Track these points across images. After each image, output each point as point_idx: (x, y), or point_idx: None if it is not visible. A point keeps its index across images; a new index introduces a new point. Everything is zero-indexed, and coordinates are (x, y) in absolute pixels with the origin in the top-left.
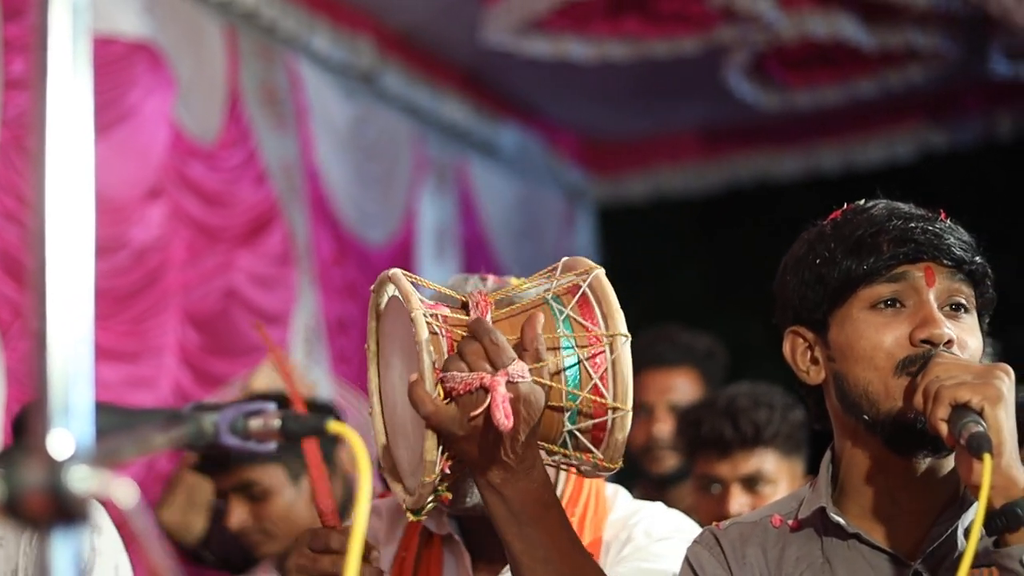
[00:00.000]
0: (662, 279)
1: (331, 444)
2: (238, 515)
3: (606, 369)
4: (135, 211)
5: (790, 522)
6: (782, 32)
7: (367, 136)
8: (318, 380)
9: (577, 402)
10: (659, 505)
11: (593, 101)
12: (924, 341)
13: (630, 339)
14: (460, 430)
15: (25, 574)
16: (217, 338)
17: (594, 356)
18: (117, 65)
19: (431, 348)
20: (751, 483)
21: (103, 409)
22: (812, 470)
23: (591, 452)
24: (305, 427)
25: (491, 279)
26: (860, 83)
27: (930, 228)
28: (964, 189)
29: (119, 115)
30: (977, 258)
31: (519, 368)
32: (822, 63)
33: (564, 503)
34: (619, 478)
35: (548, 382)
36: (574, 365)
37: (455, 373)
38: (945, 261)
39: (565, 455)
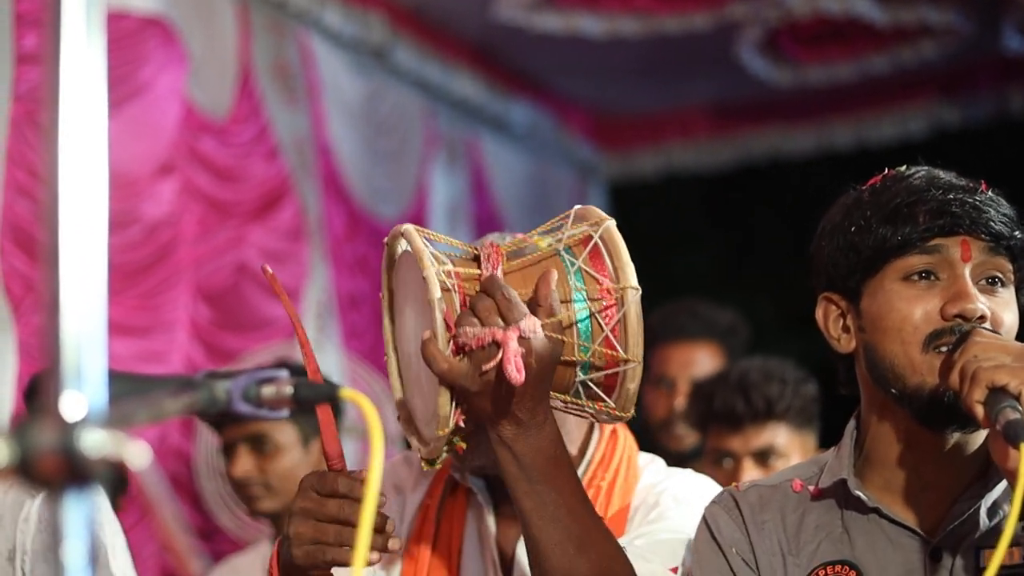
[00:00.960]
0: (673, 255)
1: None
2: (243, 464)
3: (618, 322)
4: (147, 186)
5: (811, 488)
6: (794, 8)
7: (379, 112)
8: (330, 355)
9: (589, 354)
10: (688, 471)
11: (604, 77)
12: (957, 315)
13: (640, 291)
14: (473, 385)
15: (23, 550)
16: (228, 313)
17: (605, 308)
18: (129, 40)
19: (443, 306)
20: (763, 457)
21: (116, 376)
22: (824, 444)
23: (603, 401)
24: (318, 394)
25: (508, 236)
26: (873, 59)
27: (969, 200)
28: (976, 165)
29: (131, 90)
30: (1017, 232)
31: (531, 323)
32: (835, 39)
33: (595, 467)
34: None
35: (560, 336)
36: (586, 318)
37: (467, 329)
38: (983, 235)
39: (577, 404)
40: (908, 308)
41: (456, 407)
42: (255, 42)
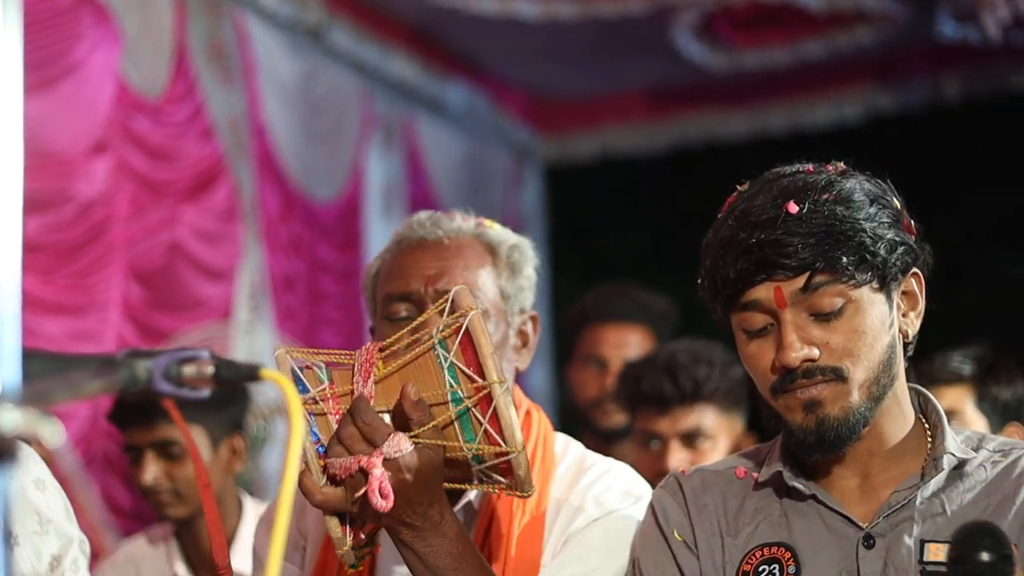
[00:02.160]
0: (609, 238)
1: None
2: (152, 472)
3: (491, 416)
4: (80, 165)
5: (754, 475)
6: None
7: (314, 92)
8: (263, 336)
9: (475, 449)
10: (610, 464)
11: (541, 59)
12: (783, 369)
13: (506, 384)
14: (353, 509)
15: None
16: (161, 293)
17: (479, 403)
18: (63, 19)
19: (309, 442)
20: (690, 439)
21: (36, 355)
22: (751, 427)
23: (502, 483)
24: (238, 374)
25: (473, 221)
26: (808, 44)
27: (769, 239)
28: (911, 151)
29: (64, 69)
30: (841, 244)
31: (395, 443)
32: (770, 24)
33: None
34: (567, 431)
35: (440, 441)
36: (463, 414)
37: (334, 460)
38: (792, 273)
39: (486, 487)
40: (753, 362)
41: (348, 526)
42: (190, 21)
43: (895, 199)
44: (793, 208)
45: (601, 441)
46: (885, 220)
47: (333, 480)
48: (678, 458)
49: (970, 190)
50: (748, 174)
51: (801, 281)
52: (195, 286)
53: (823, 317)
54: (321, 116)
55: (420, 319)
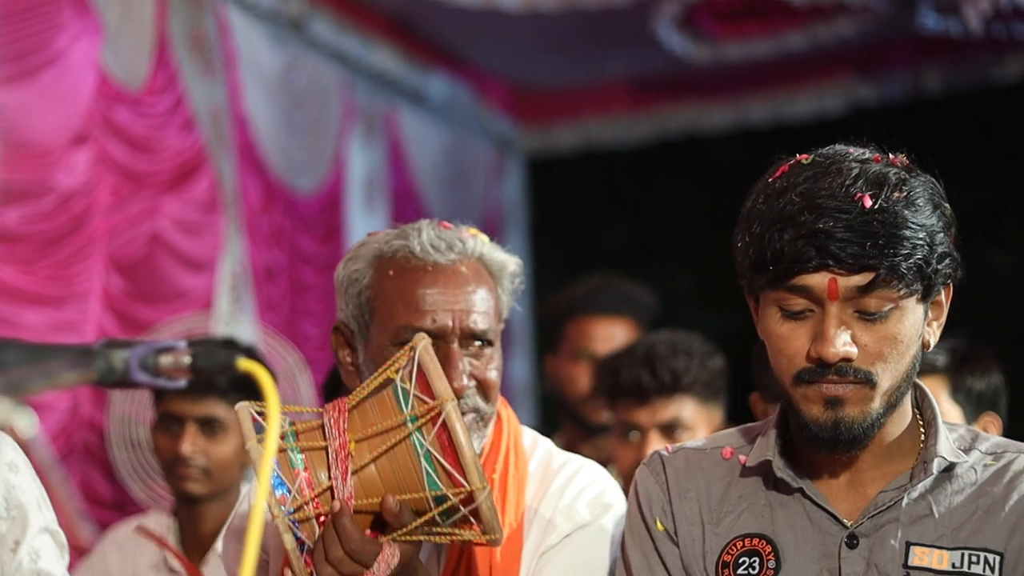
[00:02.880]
0: (590, 229)
1: None
2: (193, 443)
3: (474, 512)
4: (61, 156)
5: (741, 457)
6: None
7: (296, 83)
8: (244, 327)
9: (454, 528)
10: (578, 465)
11: (522, 51)
12: (818, 359)
13: (487, 489)
14: None
15: None
16: (142, 284)
17: (462, 501)
18: (43, 9)
19: (295, 548)
20: (669, 430)
21: (12, 344)
22: (732, 417)
23: (474, 539)
24: (216, 364)
25: (470, 237)
26: (789, 36)
27: (839, 231)
28: (892, 143)
29: (45, 59)
30: (904, 250)
31: (383, 564)
32: (752, 16)
33: (484, 457)
34: (548, 423)
35: (422, 537)
36: (444, 508)
37: None
38: (852, 270)
39: (456, 539)
40: (781, 343)
41: None
42: (172, 12)
43: (947, 204)
44: (867, 202)
45: (586, 435)
46: (941, 229)
47: None
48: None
49: (951, 182)
50: (729, 165)
51: (859, 279)
52: (176, 277)
53: (868, 317)
54: (302, 107)
55: (382, 372)
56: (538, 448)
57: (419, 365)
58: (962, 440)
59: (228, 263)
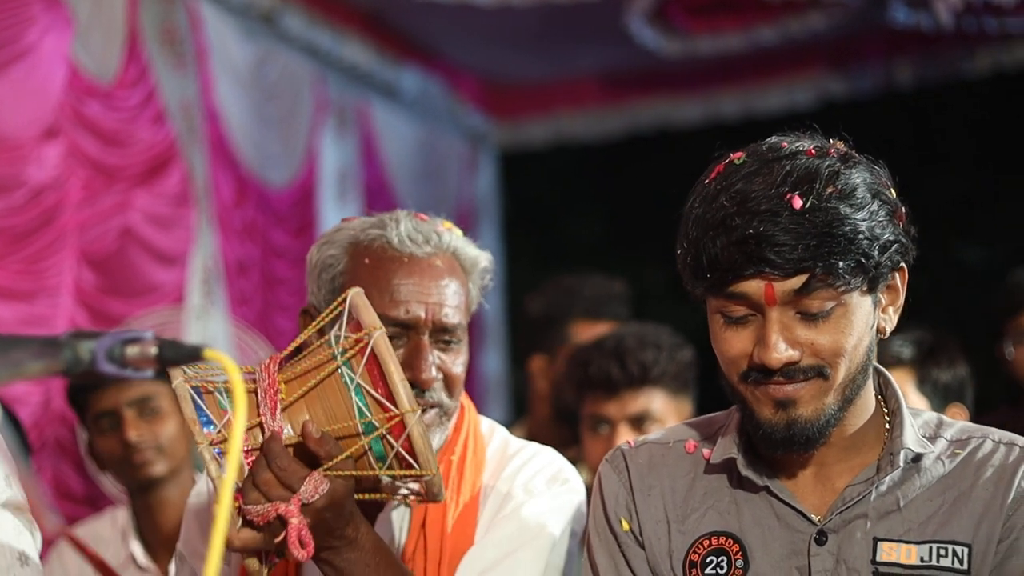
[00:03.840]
0: (563, 223)
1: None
2: (137, 429)
3: (405, 441)
4: (31, 150)
5: (705, 451)
6: None
7: (267, 77)
8: (216, 322)
9: (388, 472)
10: (535, 449)
11: (494, 45)
12: (761, 365)
13: (418, 411)
14: (271, 548)
15: None
16: (113, 278)
17: (392, 430)
18: (13, 3)
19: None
20: (638, 422)
21: None
22: (701, 410)
23: (415, 493)
24: (182, 354)
25: (445, 231)
26: (761, 30)
27: (768, 234)
28: (863, 137)
29: (15, 53)
30: (839, 248)
31: (311, 487)
32: (724, 10)
33: (444, 444)
34: (521, 415)
35: (352, 472)
36: (376, 442)
37: (251, 508)
38: (785, 272)
39: (397, 497)
40: (725, 347)
41: (265, 556)
42: (142, 6)
43: (892, 188)
44: (797, 203)
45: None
46: (883, 218)
47: (250, 525)
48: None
49: (922, 176)
50: (701, 159)
51: (795, 282)
52: (148, 271)
53: (811, 318)
54: (274, 101)
55: (315, 325)
56: (495, 435)
57: (350, 310)
58: (927, 427)
59: (200, 257)
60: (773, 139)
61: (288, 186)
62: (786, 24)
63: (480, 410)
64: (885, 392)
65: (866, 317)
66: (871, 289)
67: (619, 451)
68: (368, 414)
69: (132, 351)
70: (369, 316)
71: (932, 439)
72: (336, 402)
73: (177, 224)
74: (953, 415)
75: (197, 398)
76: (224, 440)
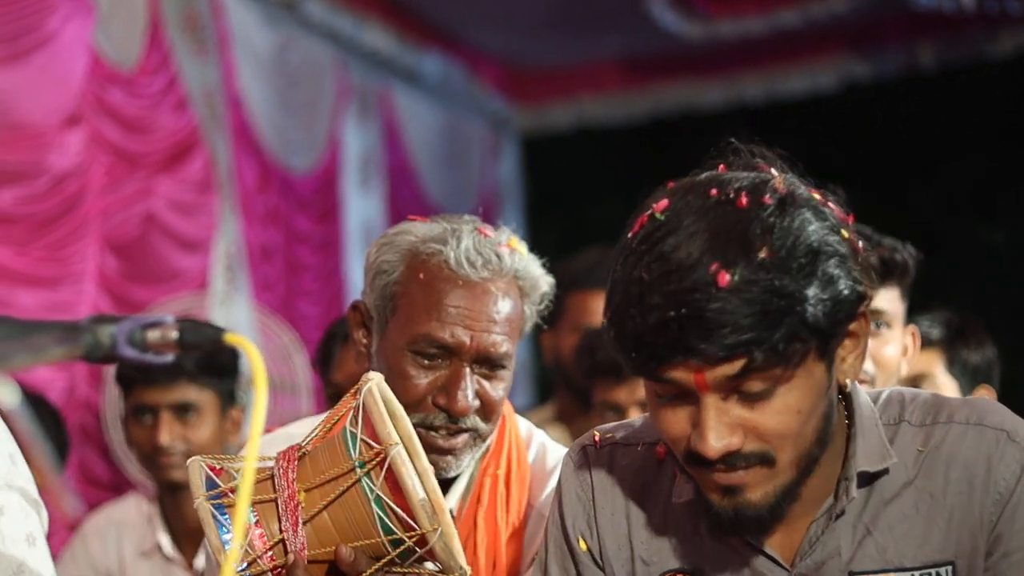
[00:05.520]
0: (585, 208)
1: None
2: (170, 432)
3: (429, 551)
4: (54, 137)
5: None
6: None
7: (289, 63)
8: (240, 308)
9: (412, 566)
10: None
11: (516, 29)
12: (696, 453)
13: (439, 529)
14: None
15: None
16: (136, 265)
17: (417, 542)
18: None
19: None
20: None
21: None
22: None
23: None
24: (203, 338)
25: (508, 251)
26: (783, 13)
27: (693, 317)
28: (886, 119)
29: (37, 41)
30: (780, 328)
31: None
32: None
33: (488, 456)
34: (544, 398)
35: None
36: (403, 552)
37: None
38: (717, 360)
39: None
40: (663, 426)
41: None
42: None
43: (844, 230)
44: (724, 279)
45: (583, 408)
46: (833, 272)
47: None
48: None
49: (945, 158)
50: (723, 143)
51: (729, 369)
52: (171, 258)
53: (752, 398)
54: (296, 87)
55: (332, 415)
56: (533, 442)
57: (365, 410)
58: (889, 416)
59: (223, 243)
60: (704, 178)
61: (311, 172)
62: (808, 7)
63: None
64: (850, 406)
65: (819, 385)
66: (823, 354)
67: (581, 451)
68: (393, 529)
69: (153, 335)
70: (383, 428)
71: (896, 424)
72: (359, 514)
73: (200, 210)
74: (981, 396)
75: (218, 515)
76: (252, 562)
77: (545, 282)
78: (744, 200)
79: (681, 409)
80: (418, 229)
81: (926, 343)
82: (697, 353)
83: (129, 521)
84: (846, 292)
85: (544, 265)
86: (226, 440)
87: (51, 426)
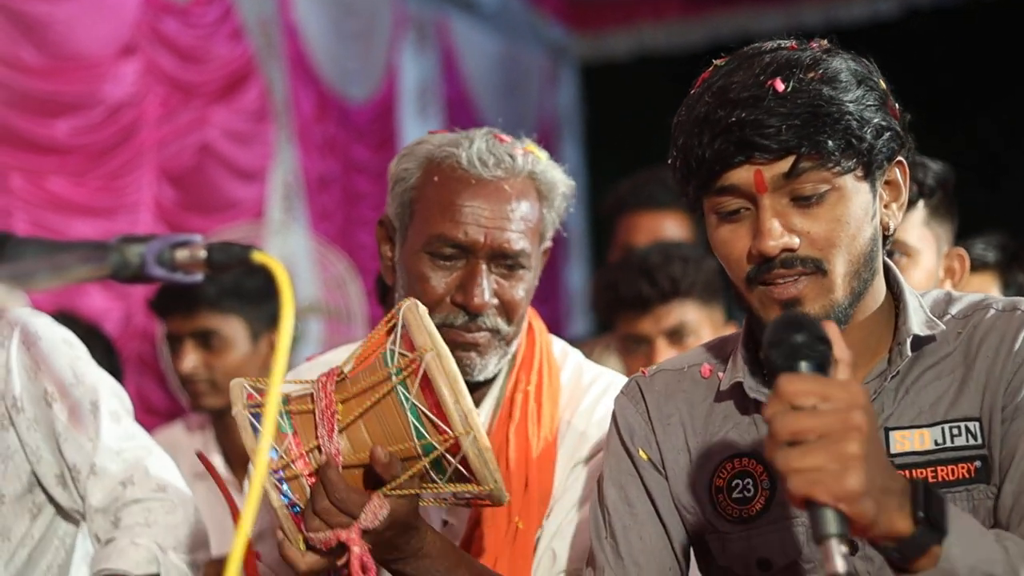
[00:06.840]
0: (645, 135)
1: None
2: (191, 360)
3: (461, 460)
4: (109, 68)
5: (720, 374)
6: None
7: None
8: (297, 237)
9: (448, 483)
10: (608, 381)
11: None
12: (759, 255)
13: (472, 433)
14: (339, 569)
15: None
16: (192, 194)
17: (450, 449)
18: None
19: (283, 507)
20: (676, 336)
21: (25, 240)
22: (732, 315)
23: (478, 499)
24: (231, 257)
25: (522, 153)
26: None
27: (751, 118)
28: (948, 46)
29: None
30: (826, 126)
31: (371, 514)
32: None
33: (518, 370)
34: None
35: (414, 490)
36: (437, 460)
37: (313, 535)
38: (773, 155)
39: (460, 503)
40: (725, 249)
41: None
42: None
43: (881, 81)
44: (779, 86)
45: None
46: (872, 103)
47: (314, 549)
48: (666, 356)
49: (1010, 86)
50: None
51: (784, 165)
52: (227, 187)
53: (804, 203)
54: (353, 16)
55: (370, 337)
56: (568, 359)
57: (403, 324)
58: (936, 305)
59: (280, 173)
60: (757, 43)
61: (368, 101)
62: None
63: (566, 324)
64: (888, 279)
65: (864, 206)
66: (867, 175)
67: (634, 382)
68: (426, 435)
69: (182, 254)
70: (420, 336)
71: (941, 315)
72: (393, 422)
73: (256, 140)
74: None
75: (255, 422)
76: (285, 466)
77: (565, 184)
78: (794, 45)
79: (741, 225)
80: (435, 138)
81: (981, 266)
82: (757, 148)
83: (182, 443)
84: (882, 122)
85: (602, 193)
86: (265, 364)
87: (104, 355)
